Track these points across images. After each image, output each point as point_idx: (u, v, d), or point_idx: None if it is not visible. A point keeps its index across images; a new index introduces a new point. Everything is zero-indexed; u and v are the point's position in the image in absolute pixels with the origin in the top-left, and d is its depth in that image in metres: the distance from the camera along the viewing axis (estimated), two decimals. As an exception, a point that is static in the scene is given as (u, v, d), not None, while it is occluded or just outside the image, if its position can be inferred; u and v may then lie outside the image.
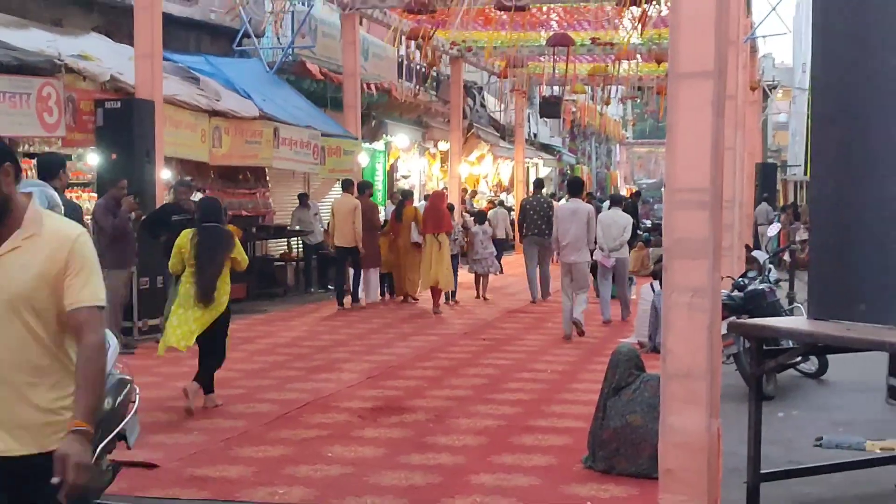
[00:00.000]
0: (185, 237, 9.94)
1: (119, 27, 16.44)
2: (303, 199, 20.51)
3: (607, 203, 19.77)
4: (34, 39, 14.53)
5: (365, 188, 18.77)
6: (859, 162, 6.45)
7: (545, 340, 14.36)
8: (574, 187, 16.56)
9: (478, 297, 20.08)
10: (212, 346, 9.71)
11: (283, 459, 7.73)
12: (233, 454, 7.89)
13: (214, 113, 16.77)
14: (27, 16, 15.98)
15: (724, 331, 8.06)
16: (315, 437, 8.41)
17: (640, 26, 20.07)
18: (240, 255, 10.03)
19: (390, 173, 27.21)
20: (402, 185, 26.52)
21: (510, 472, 7.43)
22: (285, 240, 21.01)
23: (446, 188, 25.90)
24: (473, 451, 8.02)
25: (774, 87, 37.88)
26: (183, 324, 9.59)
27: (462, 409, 9.56)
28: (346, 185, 18.74)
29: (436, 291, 17.96)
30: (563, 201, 17.71)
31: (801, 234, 21.36)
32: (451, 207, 20.01)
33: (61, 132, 13.65)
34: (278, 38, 21.07)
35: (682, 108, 6.43)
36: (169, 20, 15.78)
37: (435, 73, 28.07)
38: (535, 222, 19.10)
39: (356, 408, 9.60)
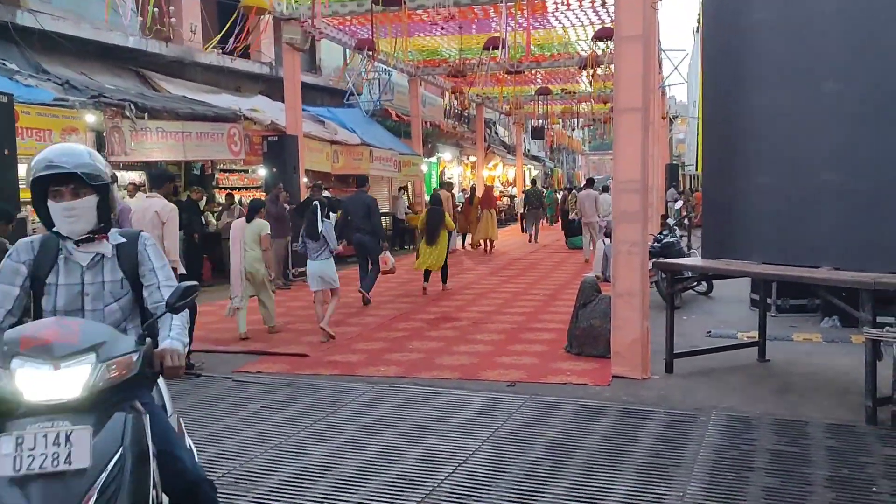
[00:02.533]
0: (423, 214, 12.60)
1: (275, 91, 16.53)
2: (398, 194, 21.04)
3: (583, 189, 19.94)
4: (224, 100, 14.66)
5: (444, 185, 19.52)
6: (733, 159, 6.43)
7: (539, 274, 14.35)
8: (589, 183, 18.02)
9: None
10: (441, 268, 11.95)
11: (382, 350, 7.82)
12: (352, 347, 7.98)
13: (333, 142, 16.84)
14: (219, 86, 16.11)
15: (650, 267, 8.06)
16: (401, 336, 8.49)
17: (592, 81, 20.14)
18: (448, 223, 12.10)
19: (440, 176, 27.18)
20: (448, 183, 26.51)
21: (520, 355, 7.47)
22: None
23: (486, 183, 25.57)
24: (497, 343, 8.06)
25: (675, 117, 37.22)
26: (424, 256, 11.73)
27: (489, 319, 9.59)
28: (442, 185, 19.78)
29: (489, 242, 19.15)
30: (582, 192, 18.12)
31: (678, 206, 21.29)
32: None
33: (242, 156, 13.84)
34: (370, 95, 21.11)
35: (623, 131, 6.42)
36: (305, 85, 15.81)
37: (466, 114, 27.98)
38: (532, 202, 22.34)
39: (425, 318, 9.68)
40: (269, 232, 8.60)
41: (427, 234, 11.68)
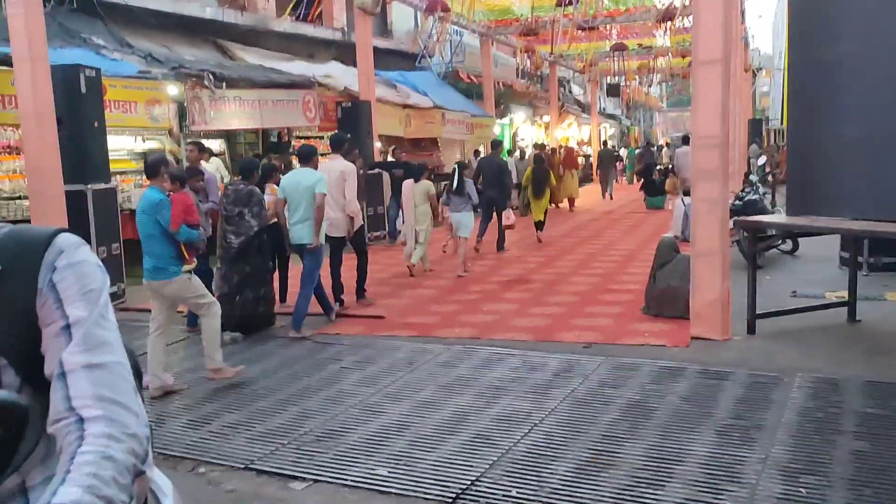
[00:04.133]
0: (529, 171, 13.56)
1: (348, 56, 16.58)
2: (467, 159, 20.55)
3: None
4: (298, 67, 14.79)
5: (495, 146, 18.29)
6: (819, 111, 6.11)
7: (617, 235, 14.09)
8: (685, 140, 17.60)
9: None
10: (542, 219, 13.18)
11: (456, 312, 7.85)
12: (428, 309, 8.05)
13: (406, 106, 16.83)
14: (293, 52, 16.27)
15: (731, 226, 7.81)
16: (475, 299, 8.51)
17: (670, 35, 19.47)
18: (551, 181, 13.66)
19: (513, 137, 26.89)
20: (521, 144, 26.19)
21: (595, 317, 7.39)
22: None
23: (567, 145, 25.23)
24: (572, 305, 7.99)
25: (759, 69, 35.64)
26: (536, 209, 13.08)
27: (564, 280, 9.50)
28: (495, 145, 18.35)
29: (571, 200, 19.40)
30: (679, 148, 18.25)
31: (761, 161, 20.11)
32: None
33: (317, 122, 14.01)
34: (442, 57, 20.95)
35: (701, 85, 6.19)
36: (377, 50, 15.79)
37: (539, 73, 27.49)
38: (605, 162, 22.91)
39: (499, 280, 9.67)
40: (434, 191, 10.13)
41: (534, 189, 13.13)
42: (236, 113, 12.21)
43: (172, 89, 11.18)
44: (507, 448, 4.23)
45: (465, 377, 5.57)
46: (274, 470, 4.09)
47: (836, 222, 5.96)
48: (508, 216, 12.03)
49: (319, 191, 6.89)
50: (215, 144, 13.80)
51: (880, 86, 5.66)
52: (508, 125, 26.54)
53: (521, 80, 25.64)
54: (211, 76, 11.54)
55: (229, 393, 5.47)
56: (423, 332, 7.02)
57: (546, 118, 28.57)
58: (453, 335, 6.87)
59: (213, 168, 12.42)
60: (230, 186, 7.45)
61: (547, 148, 19.72)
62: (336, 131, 11.70)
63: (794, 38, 6.27)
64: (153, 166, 5.64)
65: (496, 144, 12.86)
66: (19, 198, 9.61)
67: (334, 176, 7.53)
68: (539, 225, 13.23)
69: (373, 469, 4.04)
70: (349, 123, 13.83)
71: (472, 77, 21.50)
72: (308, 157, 7.25)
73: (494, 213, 11.95)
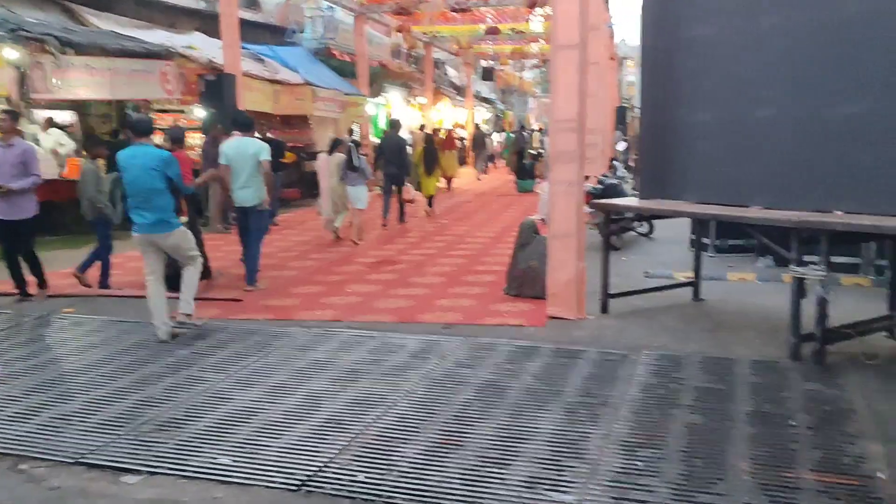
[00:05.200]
0: (419, 150, 14.51)
1: (212, 27, 15.85)
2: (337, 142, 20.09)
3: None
4: (157, 37, 14.07)
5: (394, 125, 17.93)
6: (670, 96, 6.37)
7: (490, 215, 14.32)
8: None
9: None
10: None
11: (319, 294, 7.71)
12: (289, 291, 7.86)
13: (275, 81, 16.33)
14: (153, 21, 15.44)
15: (590, 209, 8.06)
16: (340, 280, 8.39)
17: (542, 19, 19.88)
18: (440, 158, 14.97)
19: (388, 118, 26.75)
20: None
21: (458, 298, 7.45)
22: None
23: (442, 128, 25.36)
24: (436, 286, 8.02)
25: (625, 59, 37.11)
26: (427, 185, 14.11)
27: (431, 261, 9.54)
28: (394, 125, 17.23)
29: (449, 179, 19.98)
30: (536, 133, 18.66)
31: (621, 147, 21.01)
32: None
33: (177, 95, 13.36)
34: (313, 33, 20.49)
35: (560, 69, 6.31)
36: (244, 23, 15.19)
37: (414, 54, 27.43)
38: (477, 144, 25.20)
39: (366, 262, 9.58)
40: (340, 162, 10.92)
41: (426, 167, 14.12)
42: (85, 82, 11.43)
43: (10, 53, 10.30)
44: (357, 432, 4.16)
45: (322, 361, 5.45)
46: (106, 463, 3.84)
47: (683, 206, 6.24)
48: (409, 191, 13.12)
49: (264, 158, 7.66)
50: (64, 115, 12.90)
51: (728, 71, 5.94)
52: (383, 105, 26.34)
53: (395, 59, 25.50)
54: (55, 41, 10.72)
55: (64, 381, 5.11)
56: (281, 315, 6.83)
57: (421, 99, 28.57)
58: (313, 318, 6.72)
59: (53, 140, 11.61)
60: None
61: (436, 130, 19.99)
62: (177, 126, 11.32)
63: (647, 23, 6.48)
64: (143, 125, 6.25)
65: (395, 124, 13.77)
66: None
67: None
68: (431, 200, 14.39)
69: (215, 458, 3.86)
70: (213, 97, 13.22)
71: (345, 55, 21.14)
72: (249, 126, 8.00)
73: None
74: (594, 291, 6.76)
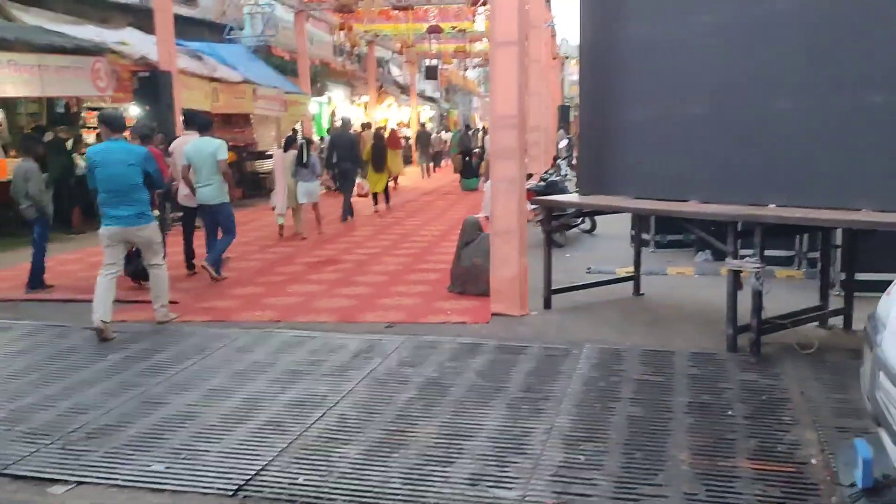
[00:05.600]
0: (368, 148, 14.41)
1: (146, 23, 15.43)
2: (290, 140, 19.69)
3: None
4: (88, 32, 13.59)
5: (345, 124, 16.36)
6: (607, 92, 6.42)
7: (434, 213, 14.29)
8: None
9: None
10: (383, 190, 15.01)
11: (259, 295, 7.57)
12: (228, 292, 7.69)
13: (213, 79, 15.98)
14: (83, 16, 14.94)
15: (532, 206, 8.10)
16: (281, 280, 8.25)
17: (484, 18, 19.95)
18: (389, 156, 15.09)
19: (332, 117, 26.53)
20: (338, 124, 25.87)
21: (402, 296, 7.39)
22: (264, 160, 20.03)
23: (386, 127, 25.28)
24: (380, 285, 7.94)
25: (567, 58, 37.50)
26: (373, 181, 14.41)
27: (375, 260, 9.46)
28: (345, 124, 15.93)
29: (394, 178, 19.72)
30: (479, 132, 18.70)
31: (562, 144, 21.16)
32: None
33: (109, 93, 12.97)
34: (253, 30, 20.15)
35: (499, 66, 6.30)
36: (179, 18, 14.87)
37: (357, 52, 27.24)
38: (422, 142, 25.29)
39: (308, 261, 9.44)
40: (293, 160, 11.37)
41: (374, 164, 14.37)
42: (11, 78, 10.99)
43: (-70, 49, 9.84)
44: (297, 434, 4.08)
45: (262, 362, 5.34)
46: (31, 474, 3.67)
47: (622, 201, 6.31)
48: (361, 185, 13.90)
49: (221, 157, 7.95)
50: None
51: (664, 68, 6.01)
52: (326, 103, 26.08)
53: (338, 58, 25.27)
54: (-22, 36, 10.27)
55: (-12, 390, 4.88)
56: (220, 317, 6.68)
57: (365, 98, 28.40)
58: (253, 319, 6.59)
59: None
60: None
61: (380, 129, 19.74)
62: (114, 108, 11.00)
63: (585, 21, 6.53)
64: (120, 121, 6.37)
65: (346, 122, 14.54)
66: None
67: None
68: (376, 197, 14.85)
69: (147, 465, 3.73)
70: (147, 95, 12.95)
71: (285, 53, 20.85)
72: (207, 126, 8.27)
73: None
74: (537, 288, 6.78)
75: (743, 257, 5.25)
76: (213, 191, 8.01)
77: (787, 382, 4.75)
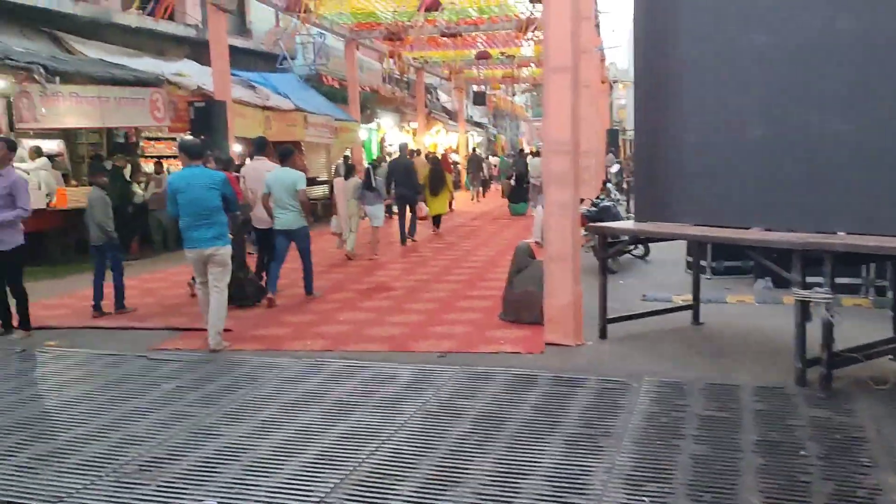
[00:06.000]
0: (427, 171, 15.07)
1: (202, 54, 15.79)
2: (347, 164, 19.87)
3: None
4: (146, 64, 13.98)
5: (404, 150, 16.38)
6: (662, 117, 6.25)
7: (483, 239, 14.19)
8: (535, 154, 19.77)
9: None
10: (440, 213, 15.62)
11: (311, 323, 7.53)
12: (280, 320, 7.68)
13: (266, 108, 16.26)
14: (141, 48, 15.35)
15: (585, 232, 7.93)
16: (332, 308, 8.22)
17: (533, 44, 19.93)
18: (447, 178, 15.63)
19: (381, 143, 26.73)
20: (389, 150, 26.10)
21: (453, 325, 7.27)
22: (320, 186, 20.18)
23: (434, 151, 25.42)
24: (431, 312, 7.84)
25: (616, 82, 37.29)
26: (433, 205, 14.85)
27: (425, 287, 9.37)
28: (405, 149, 15.73)
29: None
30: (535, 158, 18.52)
31: (614, 169, 20.84)
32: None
33: (167, 123, 13.26)
34: (304, 59, 20.44)
35: (552, 91, 6.21)
36: (235, 49, 15.16)
37: (406, 79, 27.47)
38: (473, 167, 26.37)
39: (359, 288, 9.41)
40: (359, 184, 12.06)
41: (431, 188, 14.81)
42: (73, 110, 11.31)
43: (-3, 83, 10.18)
44: (350, 469, 3.98)
45: (313, 392, 5.27)
46: (85, 507, 3.65)
47: (678, 228, 6.11)
48: (421, 209, 14.15)
49: (301, 187, 8.43)
50: (52, 144, 12.76)
51: (721, 89, 5.83)
52: (376, 130, 26.32)
53: (387, 85, 25.50)
54: (42, 70, 10.60)
55: (43, 420, 4.91)
56: (271, 346, 6.65)
57: (414, 124, 28.59)
58: (304, 348, 6.54)
59: (38, 167, 11.42)
60: None
61: (429, 154, 20.00)
62: (188, 136, 11.15)
63: (639, 45, 6.38)
64: (199, 148, 6.89)
65: (403, 148, 14.70)
66: None
67: (260, 174, 8.76)
68: (437, 219, 15.20)
69: (200, 501, 3.67)
70: (203, 124, 13.14)
71: (336, 81, 21.11)
72: (288, 156, 8.71)
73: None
74: (591, 316, 6.60)
75: (811, 286, 5.01)
76: (292, 217, 8.46)
77: (862, 420, 4.49)
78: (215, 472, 4.00)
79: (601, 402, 4.91)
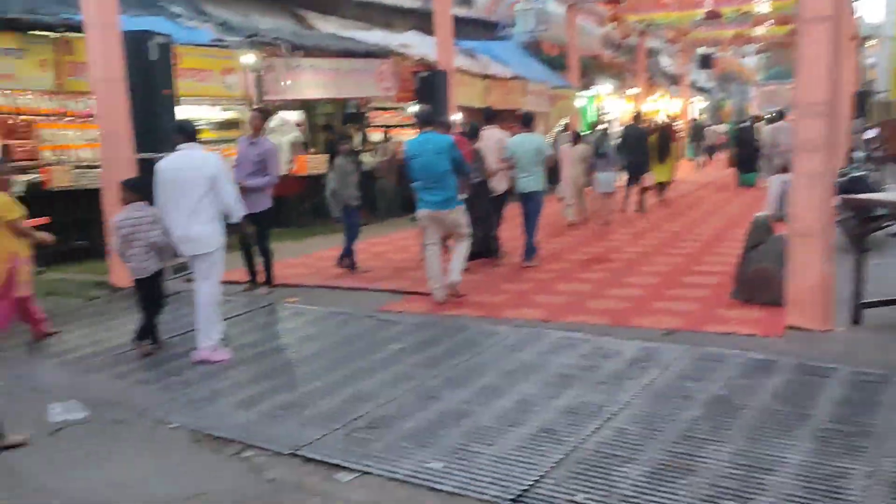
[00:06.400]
0: (654, 137, 14.06)
1: (426, 25, 16.22)
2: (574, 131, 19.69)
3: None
4: (375, 36, 14.58)
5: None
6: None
7: (708, 210, 13.37)
8: (781, 115, 17.40)
9: None
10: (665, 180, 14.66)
11: (528, 291, 7.45)
12: (498, 287, 7.67)
13: (485, 76, 16.40)
14: (371, 21, 16.08)
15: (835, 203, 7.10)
16: (550, 277, 8.09)
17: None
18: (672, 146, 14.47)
19: (598, 110, 26.05)
20: (605, 117, 25.38)
21: (678, 301, 6.84)
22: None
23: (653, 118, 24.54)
24: (653, 287, 7.45)
25: (867, 38, 33.26)
26: (658, 172, 14.08)
27: (646, 260, 8.94)
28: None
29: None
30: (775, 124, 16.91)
31: (869, 135, 18.37)
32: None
33: (393, 93, 13.75)
34: (524, 26, 20.33)
35: (808, 45, 5.54)
36: (457, 19, 15.36)
37: (626, 44, 26.42)
38: (696, 135, 24.97)
39: (577, 259, 9.20)
40: (588, 154, 11.91)
41: (659, 153, 14.23)
42: (312, 82, 12.07)
43: (248, 58, 11.08)
44: (573, 445, 3.84)
45: (532, 363, 5.19)
46: (320, 458, 3.83)
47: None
48: (647, 179, 13.98)
49: (549, 153, 8.97)
50: (294, 115, 13.73)
51: None
52: (593, 97, 25.66)
53: (607, 50, 24.71)
54: (286, 44, 11.38)
55: (283, 372, 5.28)
56: (490, 313, 6.65)
57: (633, 90, 27.50)
58: (522, 316, 6.47)
59: (286, 137, 12.32)
60: None
61: (662, 122, 19.09)
62: (421, 105, 11.40)
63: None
64: (429, 115, 7.21)
65: (638, 116, 14.75)
66: (98, 166, 9.72)
67: (492, 142, 8.96)
68: (661, 186, 14.63)
69: (425, 462, 3.72)
70: (427, 94, 13.49)
71: (555, 47, 20.81)
72: (529, 122, 9.08)
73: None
74: (841, 300, 5.89)
75: None
76: (533, 180, 8.66)
77: None
78: (438, 434, 4.04)
79: (857, 396, 4.35)
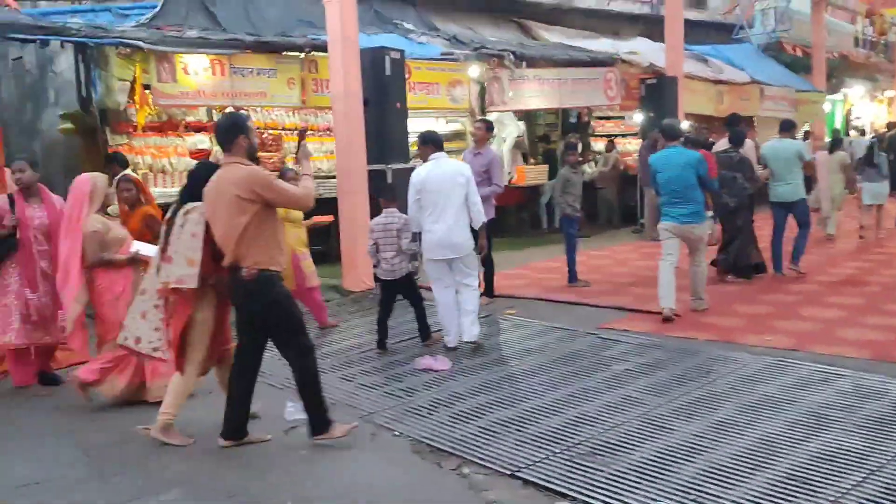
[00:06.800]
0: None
1: (656, 31, 15.59)
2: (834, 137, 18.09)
3: None
4: (601, 45, 14.28)
5: None
6: None
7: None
8: None
9: None
10: None
11: (767, 315, 6.76)
12: (731, 308, 7.06)
13: (718, 82, 15.43)
14: (597, 30, 15.78)
15: None
16: (792, 301, 7.30)
17: None
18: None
19: (846, 115, 23.59)
20: (856, 124, 22.90)
21: (957, 335, 5.87)
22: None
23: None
24: (922, 317, 6.47)
25: None
26: None
27: (910, 285, 7.84)
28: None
29: None
30: None
31: None
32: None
33: (618, 101, 13.39)
34: (763, 27, 18.90)
35: None
36: (688, 23, 14.61)
37: (883, 42, 23.68)
38: None
39: (824, 280, 8.25)
40: (848, 162, 11.02)
41: None
42: (535, 92, 12.03)
43: (474, 70, 11.26)
44: (832, 499, 3.33)
45: (777, 397, 4.64)
46: (542, 482, 3.65)
47: None
48: None
49: (808, 158, 8.63)
50: (512, 118, 13.76)
51: None
52: (841, 101, 23.26)
53: (859, 49, 22.31)
54: (511, 56, 11.43)
55: (503, 385, 5.16)
56: (724, 336, 6.11)
57: (888, 93, 24.61)
58: (762, 343, 5.86)
59: (507, 146, 12.34)
60: (721, 154, 8.29)
61: None
62: (669, 120, 10.99)
63: None
64: (674, 130, 7.06)
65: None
66: (333, 177, 10.32)
67: (748, 150, 8.70)
68: None
69: (654, 499, 3.41)
70: (652, 101, 12.98)
71: (798, 48, 19.13)
72: (789, 128, 8.72)
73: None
74: None
75: None
76: (792, 189, 8.26)
77: None
78: (668, 470, 3.70)
79: None
